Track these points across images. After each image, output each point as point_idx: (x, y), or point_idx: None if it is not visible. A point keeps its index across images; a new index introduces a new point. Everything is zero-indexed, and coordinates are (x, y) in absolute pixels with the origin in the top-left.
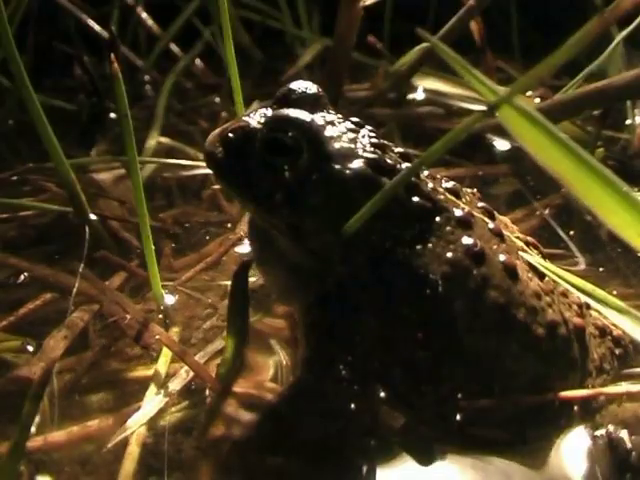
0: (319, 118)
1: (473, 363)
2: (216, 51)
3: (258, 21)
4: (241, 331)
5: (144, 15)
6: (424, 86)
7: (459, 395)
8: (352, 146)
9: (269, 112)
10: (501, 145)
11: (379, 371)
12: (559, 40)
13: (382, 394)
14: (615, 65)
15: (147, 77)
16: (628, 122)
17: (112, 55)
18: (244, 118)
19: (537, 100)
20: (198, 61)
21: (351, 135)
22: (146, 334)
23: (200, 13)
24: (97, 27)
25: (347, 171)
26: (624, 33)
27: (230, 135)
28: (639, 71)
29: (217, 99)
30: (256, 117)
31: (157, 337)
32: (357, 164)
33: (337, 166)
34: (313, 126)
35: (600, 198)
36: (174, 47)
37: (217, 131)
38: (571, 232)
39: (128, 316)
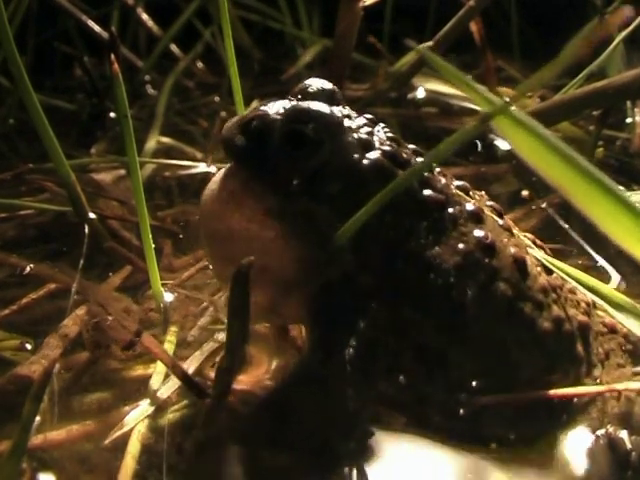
0: (337, 111)
1: (479, 351)
2: (216, 51)
3: (258, 21)
4: (241, 329)
5: (144, 16)
6: (424, 86)
7: (468, 382)
8: (370, 138)
9: (288, 104)
10: (502, 144)
11: (389, 356)
12: (559, 40)
13: (389, 384)
14: (615, 65)
15: (147, 77)
16: (628, 121)
17: (112, 56)
18: (262, 108)
19: (538, 100)
20: (198, 61)
21: (368, 128)
22: (127, 335)
23: (200, 14)
24: (97, 27)
25: (365, 161)
26: (624, 33)
27: (250, 123)
28: (639, 71)
29: (217, 99)
30: (274, 108)
31: (135, 339)
32: (375, 155)
33: (356, 156)
34: (334, 118)
35: (599, 206)
36: (174, 47)
37: (235, 119)
38: (567, 226)
39: (110, 317)
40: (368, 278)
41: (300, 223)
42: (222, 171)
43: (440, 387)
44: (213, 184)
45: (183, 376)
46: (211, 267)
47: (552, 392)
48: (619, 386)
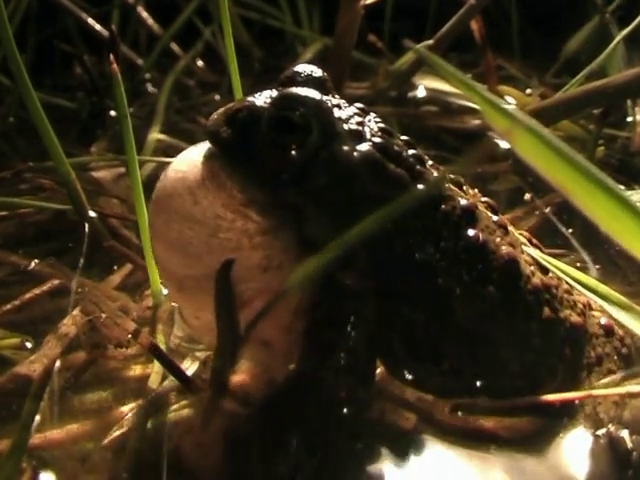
0: (327, 99)
1: (467, 346)
2: (216, 50)
3: (258, 20)
4: (230, 327)
5: (144, 14)
6: (425, 84)
7: (460, 371)
8: (360, 129)
9: (275, 93)
10: (501, 142)
11: (382, 346)
12: (559, 39)
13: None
14: (615, 64)
15: (147, 75)
16: (629, 120)
17: (111, 56)
18: (249, 99)
19: (538, 99)
20: (199, 60)
21: (358, 119)
22: (121, 333)
23: (200, 12)
24: (97, 26)
25: (355, 153)
26: (624, 32)
27: (235, 114)
28: (639, 70)
29: (217, 97)
30: (261, 98)
31: (128, 337)
32: (365, 147)
33: (346, 147)
34: (323, 105)
35: (600, 205)
36: (174, 46)
37: (220, 111)
38: (570, 230)
39: (104, 315)
40: (356, 277)
41: (284, 218)
42: (198, 147)
43: (433, 374)
44: (186, 158)
45: (177, 372)
46: (155, 252)
47: (533, 399)
48: (620, 390)
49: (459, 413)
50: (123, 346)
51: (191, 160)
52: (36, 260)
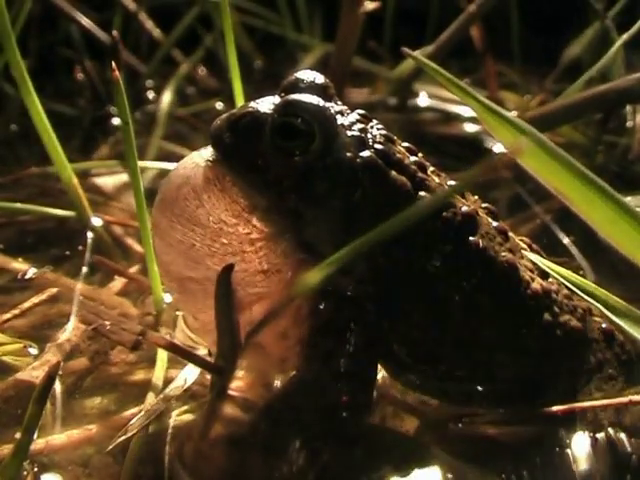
0: (330, 106)
1: (466, 350)
2: (218, 56)
3: (259, 26)
4: (231, 332)
5: (146, 20)
6: (425, 91)
7: (457, 375)
8: (362, 135)
9: (278, 99)
10: (501, 149)
11: (382, 348)
12: (559, 45)
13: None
14: (616, 69)
15: (149, 82)
16: (628, 126)
17: (113, 63)
18: (252, 105)
19: (538, 105)
20: (200, 66)
21: (361, 125)
22: (130, 336)
23: (202, 19)
24: (99, 32)
25: (357, 159)
26: (625, 37)
27: (239, 120)
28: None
29: (219, 104)
30: (264, 104)
31: (139, 338)
32: (367, 153)
33: (348, 154)
34: (326, 111)
35: (599, 211)
36: (176, 52)
37: (224, 117)
38: (569, 237)
39: (107, 323)
40: (354, 285)
41: (285, 223)
42: (202, 152)
43: (430, 376)
44: (191, 162)
45: (198, 361)
46: (157, 252)
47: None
48: (622, 399)
49: (460, 425)
50: (139, 347)
51: (196, 164)
52: (34, 270)
